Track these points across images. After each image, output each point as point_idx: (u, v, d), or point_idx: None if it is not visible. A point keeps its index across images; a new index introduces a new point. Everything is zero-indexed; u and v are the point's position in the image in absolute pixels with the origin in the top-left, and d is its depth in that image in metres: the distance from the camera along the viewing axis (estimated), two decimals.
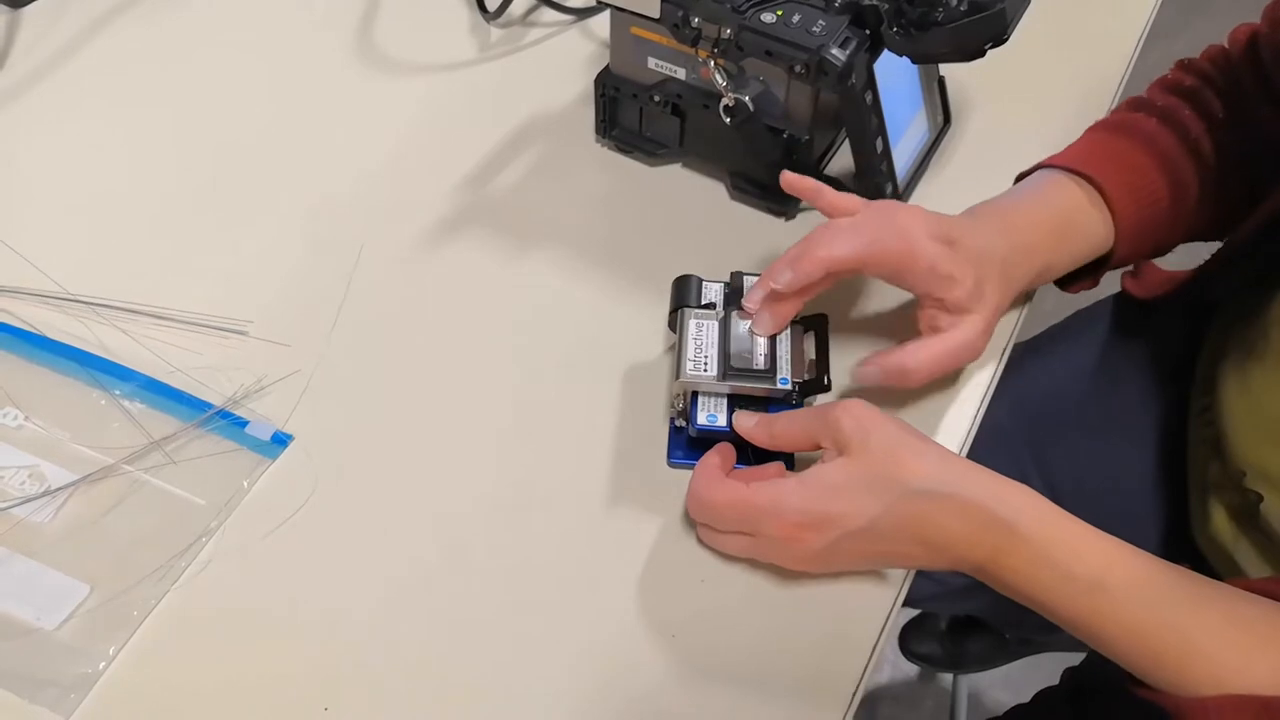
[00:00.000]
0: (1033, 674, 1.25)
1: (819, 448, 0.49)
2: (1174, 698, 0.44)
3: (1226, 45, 0.65)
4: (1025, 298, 0.63)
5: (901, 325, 0.61)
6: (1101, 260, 0.61)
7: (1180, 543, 0.70)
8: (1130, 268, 0.80)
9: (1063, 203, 0.60)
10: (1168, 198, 0.61)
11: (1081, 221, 0.59)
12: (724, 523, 0.49)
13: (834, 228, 0.53)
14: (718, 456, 0.51)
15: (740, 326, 0.54)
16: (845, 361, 0.59)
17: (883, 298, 0.62)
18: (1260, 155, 0.62)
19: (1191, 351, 0.73)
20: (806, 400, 0.54)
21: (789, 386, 0.52)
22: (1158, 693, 0.45)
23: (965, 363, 0.56)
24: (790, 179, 0.58)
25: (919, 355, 0.54)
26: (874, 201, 0.56)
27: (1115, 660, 0.46)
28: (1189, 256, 0.75)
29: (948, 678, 1.32)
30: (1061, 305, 0.84)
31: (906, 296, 0.62)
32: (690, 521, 0.52)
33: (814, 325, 0.56)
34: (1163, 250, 0.65)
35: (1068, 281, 0.63)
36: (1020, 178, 0.63)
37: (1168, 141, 0.62)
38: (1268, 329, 0.61)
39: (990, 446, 0.60)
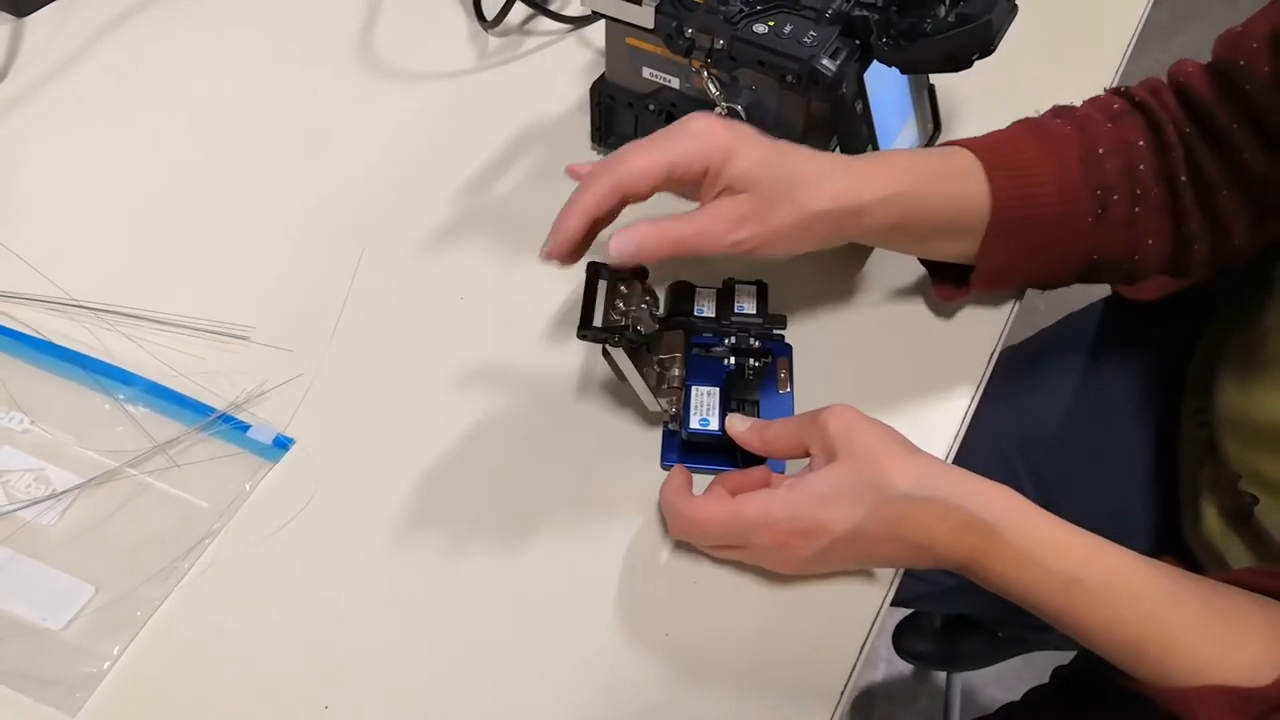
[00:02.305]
0: (1026, 672, 1.26)
1: (809, 454, 0.50)
2: (1156, 688, 0.45)
3: (1166, 82, 0.60)
4: (1016, 296, 0.64)
5: (897, 325, 0.62)
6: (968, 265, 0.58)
7: (1172, 543, 0.70)
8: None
9: (939, 157, 0.56)
10: (1055, 202, 0.56)
11: (954, 176, 0.55)
12: (712, 538, 0.50)
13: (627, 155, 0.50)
14: (680, 476, 0.52)
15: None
16: (834, 368, 0.60)
17: (874, 306, 0.63)
18: (1196, 198, 0.58)
19: (1183, 355, 0.74)
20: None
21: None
22: (1141, 684, 0.46)
23: (703, 248, 0.50)
24: (575, 169, 0.54)
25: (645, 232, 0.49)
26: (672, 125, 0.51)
27: (1098, 654, 0.47)
28: None
29: (942, 676, 1.33)
30: (1052, 309, 0.85)
31: (901, 304, 0.64)
32: None
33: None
34: (1050, 275, 0.60)
35: (937, 277, 0.61)
36: None
37: (1070, 150, 0.57)
38: (1266, 335, 0.61)
39: (981, 450, 0.60)
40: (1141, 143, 0.58)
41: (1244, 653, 0.44)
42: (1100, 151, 0.57)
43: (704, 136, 0.50)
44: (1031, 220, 0.56)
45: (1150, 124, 0.58)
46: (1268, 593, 0.47)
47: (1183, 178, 0.57)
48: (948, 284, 0.60)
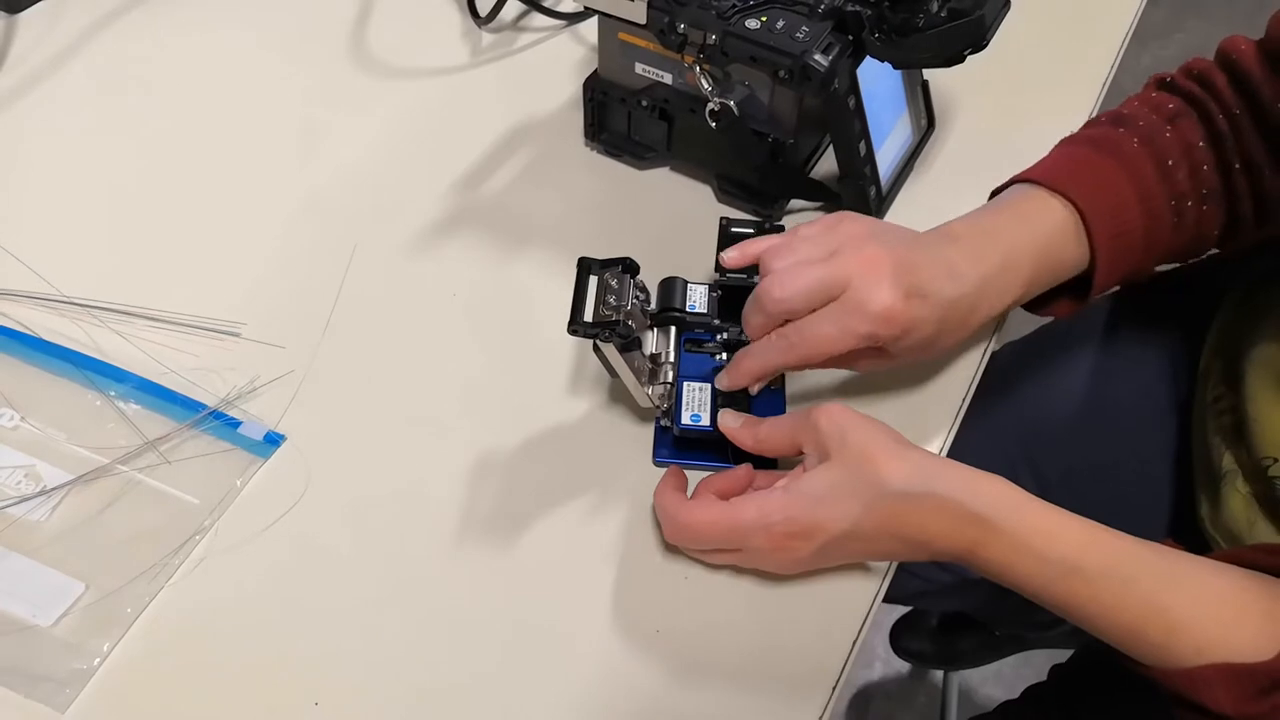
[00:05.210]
0: (1023, 670, 1.26)
1: (801, 452, 0.50)
2: (1160, 670, 0.45)
3: (1214, 61, 0.61)
4: None
5: None
6: (1081, 286, 0.58)
7: (1182, 535, 0.70)
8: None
9: (1044, 224, 0.56)
10: (1141, 227, 0.57)
11: (1059, 246, 0.56)
12: (708, 543, 0.50)
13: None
14: (674, 479, 0.52)
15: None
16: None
17: None
18: (1257, 172, 0.59)
19: (1190, 347, 0.74)
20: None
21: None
22: (1146, 668, 0.46)
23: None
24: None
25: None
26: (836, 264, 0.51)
27: (1101, 639, 0.47)
28: None
29: (939, 674, 1.33)
30: None
31: None
32: None
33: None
34: (1136, 279, 0.61)
35: (1036, 305, 0.60)
36: (996, 192, 0.60)
37: (1146, 169, 0.57)
38: None
39: (982, 446, 0.60)
40: (1201, 143, 0.59)
41: (1245, 629, 0.44)
42: (1170, 164, 0.58)
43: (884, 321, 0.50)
44: (1126, 251, 0.57)
45: (1203, 117, 0.60)
46: (1268, 570, 0.47)
47: (1236, 165, 0.59)
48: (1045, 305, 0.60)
